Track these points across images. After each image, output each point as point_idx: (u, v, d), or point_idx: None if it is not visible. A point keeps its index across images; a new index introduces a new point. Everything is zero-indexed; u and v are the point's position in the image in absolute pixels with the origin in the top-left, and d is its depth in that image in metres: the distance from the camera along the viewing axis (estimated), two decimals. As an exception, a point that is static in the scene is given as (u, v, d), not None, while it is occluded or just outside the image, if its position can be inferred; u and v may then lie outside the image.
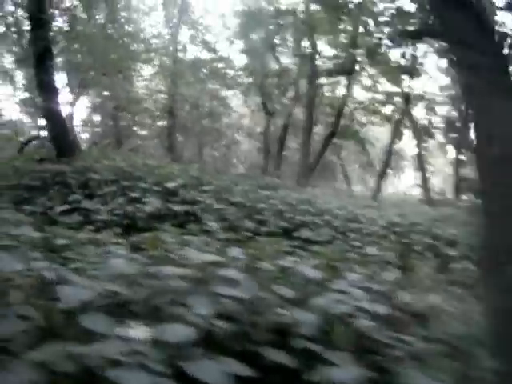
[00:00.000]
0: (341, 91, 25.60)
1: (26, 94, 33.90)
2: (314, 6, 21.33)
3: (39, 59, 11.34)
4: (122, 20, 20.15)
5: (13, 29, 14.01)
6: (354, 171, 41.88)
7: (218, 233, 5.97)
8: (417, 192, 33.55)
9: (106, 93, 22.91)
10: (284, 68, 26.18)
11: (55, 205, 7.18)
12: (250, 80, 26.65)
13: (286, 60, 26.64)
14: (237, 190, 9.88)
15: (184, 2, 24.61)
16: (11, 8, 14.25)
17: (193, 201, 7.90)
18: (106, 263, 2.68)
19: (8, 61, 31.31)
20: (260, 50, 26.10)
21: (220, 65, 25.99)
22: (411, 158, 35.15)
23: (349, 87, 24.01)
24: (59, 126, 11.99)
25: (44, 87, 11.65)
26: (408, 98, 24.60)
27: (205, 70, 25.84)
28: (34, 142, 16.44)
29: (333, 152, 31.00)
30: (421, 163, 27.36)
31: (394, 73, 21.26)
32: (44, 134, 14.90)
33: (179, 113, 25.63)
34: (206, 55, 26.34)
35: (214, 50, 25.50)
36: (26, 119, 33.95)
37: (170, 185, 8.15)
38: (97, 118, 28.83)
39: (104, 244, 3.91)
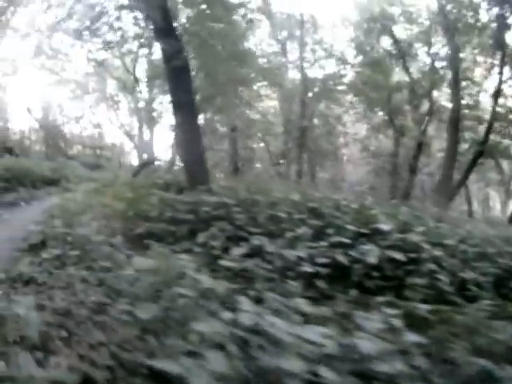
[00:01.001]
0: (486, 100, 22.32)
1: (128, 118, 36.08)
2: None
3: (175, 76, 10.07)
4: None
5: (141, 41, 12.95)
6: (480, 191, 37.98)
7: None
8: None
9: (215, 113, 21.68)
10: (416, 79, 23.55)
11: (223, 245, 5.86)
12: (373, 95, 24.21)
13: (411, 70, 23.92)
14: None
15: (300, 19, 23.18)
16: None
17: (414, 247, 5.83)
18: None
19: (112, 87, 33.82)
20: (387, 60, 23.99)
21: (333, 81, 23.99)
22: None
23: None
24: (195, 151, 10.51)
25: (181, 107, 10.24)
26: None
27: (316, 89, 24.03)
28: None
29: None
30: None
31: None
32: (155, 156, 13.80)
33: (294, 133, 23.92)
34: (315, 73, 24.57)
35: (344, 62, 23.56)
36: (128, 142, 35.96)
37: (384, 227, 6.09)
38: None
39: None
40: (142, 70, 26.96)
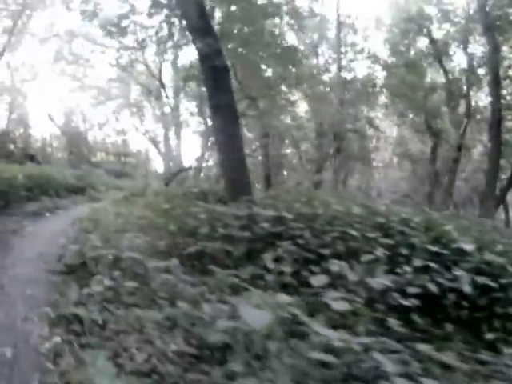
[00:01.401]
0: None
1: (152, 125, 35.40)
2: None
3: (214, 77, 9.08)
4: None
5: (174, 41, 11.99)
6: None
7: None
8: None
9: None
10: (453, 80, 22.39)
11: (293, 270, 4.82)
12: (409, 96, 23.03)
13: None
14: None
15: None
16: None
17: (499, 271, 4.89)
18: None
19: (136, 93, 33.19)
20: (422, 61, 22.93)
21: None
22: None
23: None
24: (237, 157, 9.48)
25: (221, 110, 9.17)
26: None
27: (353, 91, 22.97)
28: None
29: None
30: None
31: None
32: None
33: (329, 138, 22.80)
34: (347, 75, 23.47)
35: (378, 63, 22.48)
36: (153, 149, 35.17)
37: (467, 246, 4.99)
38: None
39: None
40: (167, 75, 26.52)
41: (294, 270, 4.89)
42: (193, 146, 67.64)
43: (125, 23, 11.84)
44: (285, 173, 26.22)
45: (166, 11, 11.34)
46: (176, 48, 12.50)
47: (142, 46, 11.56)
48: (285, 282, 4.69)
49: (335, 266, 4.61)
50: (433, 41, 22.85)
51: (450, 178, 22.20)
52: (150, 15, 11.20)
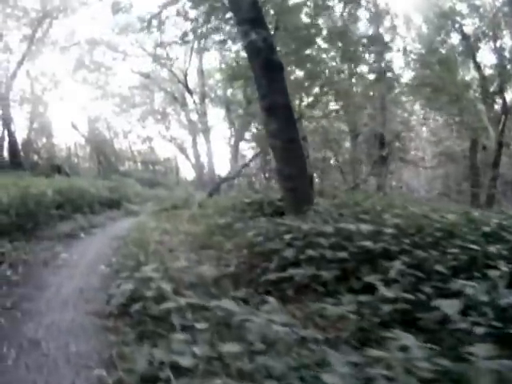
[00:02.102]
0: None
1: (179, 131, 34.18)
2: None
3: (267, 74, 7.84)
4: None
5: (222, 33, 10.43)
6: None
7: None
8: None
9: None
10: (487, 76, 20.92)
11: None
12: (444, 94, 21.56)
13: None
14: None
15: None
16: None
17: None
18: None
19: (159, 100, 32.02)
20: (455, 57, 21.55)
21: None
22: None
23: None
24: (297, 163, 8.10)
25: (276, 111, 7.81)
26: None
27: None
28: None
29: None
30: None
31: None
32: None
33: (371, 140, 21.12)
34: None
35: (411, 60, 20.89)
36: (180, 156, 33.87)
37: None
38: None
39: None
40: (191, 81, 25.25)
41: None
42: (219, 152, 65.62)
43: (165, 14, 10.34)
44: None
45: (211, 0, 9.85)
46: (222, 43, 10.88)
47: (183, 40, 10.00)
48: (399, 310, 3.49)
49: (470, 288, 3.42)
50: (465, 36, 21.46)
51: (493, 175, 20.60)
52: (195, 3, 9.66)
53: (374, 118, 20.45)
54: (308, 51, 10.41)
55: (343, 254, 4.64)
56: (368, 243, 4.70)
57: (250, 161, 13.13)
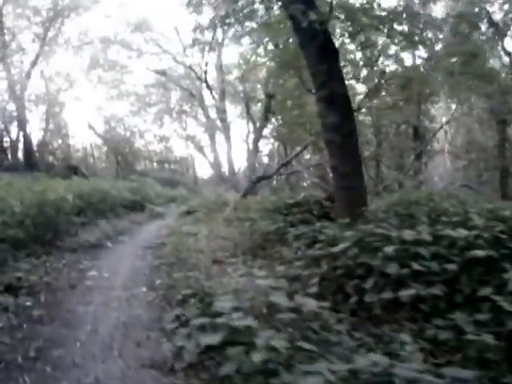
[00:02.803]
0: None
1: (196, 129, 32.77)
2: None
3: (325, 61, 6.76)
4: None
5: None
6: None
7: None
8: None
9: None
10: None
11: None
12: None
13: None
14: None
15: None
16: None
17: None
18: None
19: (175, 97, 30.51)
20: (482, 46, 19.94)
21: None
22: None
23: None
24: (353, 161, 7.01)
25: (334, 102, 6.72)
26: None
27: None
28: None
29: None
30: None
31: None
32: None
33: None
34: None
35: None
36: (197, 154, 32.43)
37: None
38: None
39: None
40: (210, 77, 23.85)
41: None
42: (234, 149, 64.27)
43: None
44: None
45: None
46: (267, 27, 9.35)
47: (222, 22, 8.52)
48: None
49: None
50: (493, 23, 19.88)
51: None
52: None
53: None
54: (365, 36, 8.92)
55: (452, 267, 3.71)
56: (478, 252, 3.75)
57: (292, 158, 11.65)
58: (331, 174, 11.29)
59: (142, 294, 4.57)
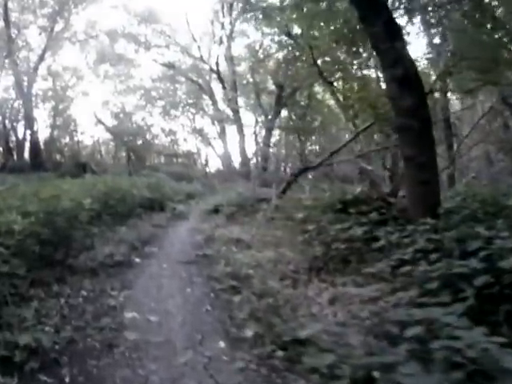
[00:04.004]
0: None
1: (204, 123, 30.67)
2: None
3: (393, 39, 5.72)
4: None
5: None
6: None
7: None
8: None
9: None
10: None
11: None
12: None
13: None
14: None
15: None
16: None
17: None
18: None
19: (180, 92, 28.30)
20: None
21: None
22: None
23: None
24: (428, 153, 5.81)
25: (408, 86, 5.69)
26: None
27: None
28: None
29: None
30: None
31: None
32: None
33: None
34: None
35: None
36: (203, 148, 30.30)
37: None
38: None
39: None
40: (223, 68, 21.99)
41: None
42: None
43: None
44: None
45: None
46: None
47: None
48: None
49: None
50: None
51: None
52: None
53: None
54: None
55: None
56: None
57: (343, 146, 9.68)
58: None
59: (227, 357, 2.73)
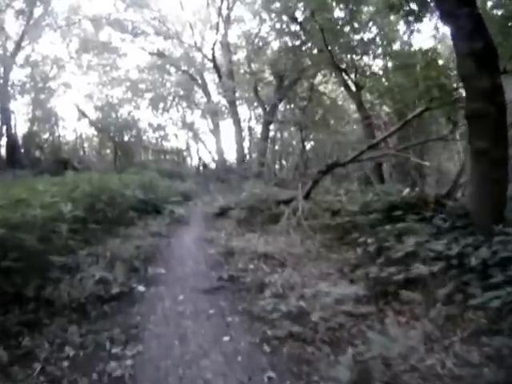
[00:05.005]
0: None
1: (195, 117, 29.21)
2: None
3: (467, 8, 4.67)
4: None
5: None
6: None
7: None
8: None
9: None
10: None
11: None
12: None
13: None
14: None
15: None
16: None
17: None
18: None
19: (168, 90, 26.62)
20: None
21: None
22: None
23: None
24: (505, 149, 4.88)
25: (489, 61, 4.66)
26: None
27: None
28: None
29: None
30: None
31: None
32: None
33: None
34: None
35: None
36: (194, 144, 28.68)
37: None
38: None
39: None
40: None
41: None
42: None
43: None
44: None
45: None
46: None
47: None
48: None
49: None
50: None
51: None
52: None
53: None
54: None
55: None
56: None
57: (382, 139, 8.28)
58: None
59: None
